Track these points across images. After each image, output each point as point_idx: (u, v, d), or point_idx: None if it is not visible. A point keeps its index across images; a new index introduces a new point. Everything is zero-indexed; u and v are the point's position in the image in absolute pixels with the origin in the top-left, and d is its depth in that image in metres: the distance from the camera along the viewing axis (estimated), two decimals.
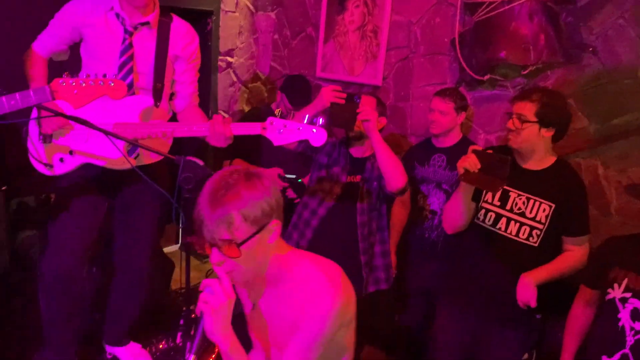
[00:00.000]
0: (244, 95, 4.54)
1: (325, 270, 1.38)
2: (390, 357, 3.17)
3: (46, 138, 2.27)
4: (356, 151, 2.56)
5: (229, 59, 4.38)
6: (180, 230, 4.19)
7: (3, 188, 3.30)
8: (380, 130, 2.43)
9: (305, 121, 2.25)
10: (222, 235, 1.23)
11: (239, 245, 1.24)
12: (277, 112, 3.24)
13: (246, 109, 4.49)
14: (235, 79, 4.46)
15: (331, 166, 2.57)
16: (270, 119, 2.17)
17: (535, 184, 2.10)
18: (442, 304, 2.39)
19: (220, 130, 2.15)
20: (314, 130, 2.09)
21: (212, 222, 1.23)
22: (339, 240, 2.46)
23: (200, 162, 1.96)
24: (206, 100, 4.19)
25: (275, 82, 4.35)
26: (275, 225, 1.31)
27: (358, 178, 2.51)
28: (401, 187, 2.33)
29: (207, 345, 1.47)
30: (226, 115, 4.33)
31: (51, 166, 2.29)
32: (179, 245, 4.45)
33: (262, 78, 4.48)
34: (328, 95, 2.37)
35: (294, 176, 3.21)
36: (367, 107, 2.36)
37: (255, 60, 4.49)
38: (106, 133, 1.93)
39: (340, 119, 2.36)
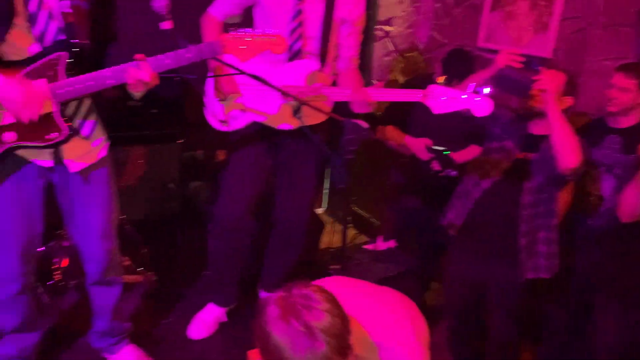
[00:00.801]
0: (399, 65, 4.50)
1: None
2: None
3: (222, 97, 2.46)
4: (536, 127, 2.36)
5: (387, 27, 4.36)
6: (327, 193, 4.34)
7: (180, 141, 3.66)
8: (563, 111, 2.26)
9: (470, 90, 2.19)
10: None
11: None
12: (439, 79, 3.18)
13: (400, 79, 4.46)
14: (392, 48, 4.44)
15: (504, 139, 2.43)
16: (432, 86, 2.14)
17: None
18: (603, 300, 2.23)
19: (360, 103, 2.17)
20: (478, 99, 2.03)
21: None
22: (498, 217, 2.37)
23: (365, 125, 2.00)
24: (360, 70, 4.22)
25: (433, 52, 4.26)
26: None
27: (531, 156, 2.36)
28: (574, 167, 2.17)
29: None
30: (375, 82, 4.34)
31: (226, 122, 2.49)
32: (324, 208, 4.59)
33: (420, 48, 4.40)
34: (504, 58, 2.27)
35: (442, 148, 3.16)
36: (547, 76, 2.21)
37: (414, 29, 4.42)
38: (279, 90, 2.05)
39: (513, 85, 2.22)
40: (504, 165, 2.38)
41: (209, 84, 2.54)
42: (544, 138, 2.31)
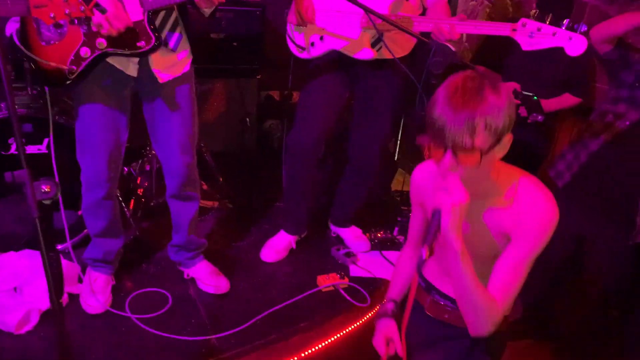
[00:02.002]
0: (485, 10, 4.30)
1: (543, 187, 1.34)
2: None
3: (300, 24, 2.44)
4: None
5: None
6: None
7: (258, 77, 3.70)
8: None
9: (564, 27, 2.04)
10: (464, 141, 1.17)
11: (482, 154, 1.19)
12: (532, 13, 3.00)
13: None
14: None
15: (636, 88, 2.22)
16: (522, 20, 2.01)
17: None
18: None
19: (445, 33, 2.06)
20: (571, 37, 1.89)
21: (455, 125, 1.16)
22: (616, 175, 2.19)
23: (453, 48, 1.93)
24: None
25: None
26: (508, 141, 1.24)
27: None
28: None
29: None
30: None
31: (303, 49, 2.47)
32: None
33: None
34: None
35: (530, 94, 3.00)
36: None
37: None
38: (363, 7, 1.99)
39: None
40: (631, 117, 2.18)
41: (292, 10, 2.52)
42: None
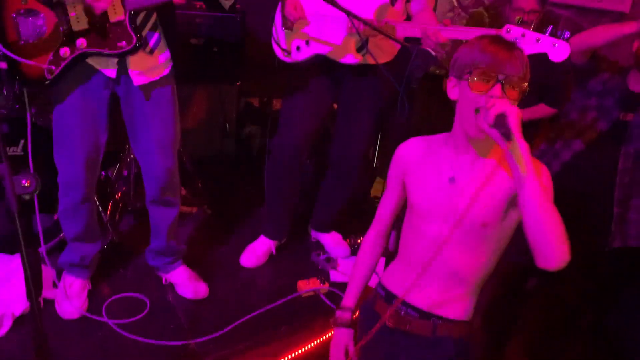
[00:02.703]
0: (462, 21, 4.38)
1: None
2: None
3: (288, 25, 2.45)
4: (637, 84, 2.19)
5: None
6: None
7: (237, 83, 3.69)
8: None
9: (548, 33, 2.09)
10: (521, 70, 1.29)
11: (525, 90, 1.30)
12: (516, 19, 3.05)
13: None
14: (455, 3, 4.32)
15: (603, 96, 2.26)
16: (507, 26, 2.05)
17: None
18: None
19: (431, 37, 2.10)
20: (555, 44, 1.93)
21: (511, 59, 1.29)
22: (590, 183, 2.21)
23: (434, 53, 1.96)
24: None
25: (498, 8, 4.11)
26: None
27: (631, 117, 2.17)
28: None
29: None
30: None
31: (289, 52, 2.48)
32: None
33: (486, 3, 4.26)
34: None
35: None
36: None
37: None
38: (347, 12, 2.01)
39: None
40: (600, 126, 2.23)
41: (278, 12, 2.52)
42: None
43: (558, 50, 1.92)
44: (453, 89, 1.37)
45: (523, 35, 1.99)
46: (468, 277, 1.45)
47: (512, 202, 1.35)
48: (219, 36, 3.51)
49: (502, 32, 2.03)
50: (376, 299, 1.56)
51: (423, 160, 1.46)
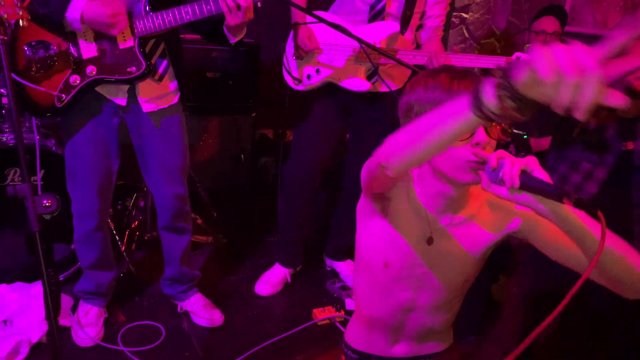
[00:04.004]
0: (473, 52, 4.44)
1: None
2: None
3: (300, 55, 2.51)
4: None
5: (464, 14, 4.31)
6: None
7: (253, 114, 3.75)
8: None
9: None
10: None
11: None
12: (525, 47, 3.09)
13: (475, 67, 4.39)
14: (467, 35, 4.38)
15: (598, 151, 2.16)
16: (517, 53, 2.09)
17: None
18: None
19: (437, 63, 2.14)
20: None
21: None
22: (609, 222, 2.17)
23: None
24: None
25: (510, 38, 4.17)
26: None
27: (631, 145, 2.10)
28: None
29: None
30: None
31: (300, 81, 2.53)
32: None
33: (497, 34, 4.33)
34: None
35: (521, 132, 3.06)
36: None
37: (492, 16, 4.35)
38: (358, 40, 2.05)
39: None
40: (608, 161, 2.10)
41: (289, 42, 2.59)
42: None
43: None
44: None
45: None
46: (445, 325, 1.43)
47: (487, 252, 1.31)
48: (234, 69, 3.60)
49: (512, 58, 2.06)
50: None
51: (400, 206, 1.27)
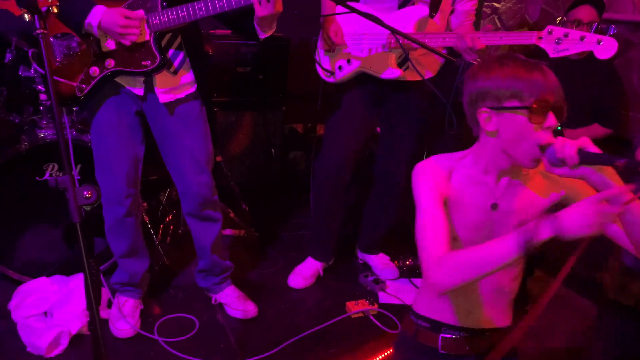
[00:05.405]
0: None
1: None
2: None
3: (330, 48, 2.49)
4: None
5: (495, 4, 4.22)
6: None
7: (283, 109, 3.76)
8: None
9: (593, 30, 2.03)
10: (562, 92, 1.26)
11: None
12: (558, 20, 2.98)
13: None
14: (499, 25, 4.29)
15: None
16: (549, 27, 2.01)
17: None
18: None
19: (467, 45, 2.09)
20: (600, 40, 1.87)
21: (553, 79, 1.26)
22: None
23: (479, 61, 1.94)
24: None
25: (544, 28, 4.06)
26: None
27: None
28: None
29: None
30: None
31: (332, 73, 2.52)
32: None
33: (530, 23, 4.22)
34: None
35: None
36: None
37: (525, 5, 4.25)
38: (390, 29, 2.03)
39: None
40: None
41: (320, 37, 2.58)
42: None
43: (604, 47, 1.86)
44: (489, 121, 1.29)
45: (566, 35, 1.94)
46: (511, 287, 1.47)
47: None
48: (264, 64, 3.60)
49: (544, 32, 2.00)
50: (419, 331, 1.52)
51: (458, 185, 1.38)
